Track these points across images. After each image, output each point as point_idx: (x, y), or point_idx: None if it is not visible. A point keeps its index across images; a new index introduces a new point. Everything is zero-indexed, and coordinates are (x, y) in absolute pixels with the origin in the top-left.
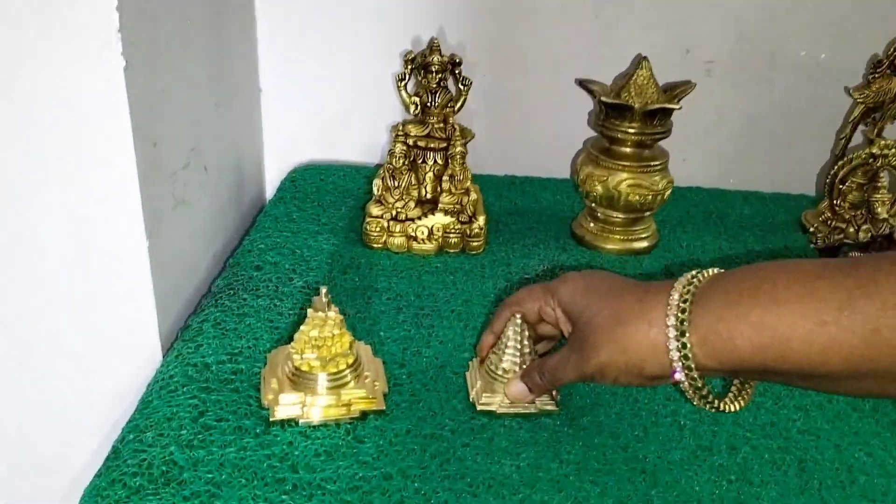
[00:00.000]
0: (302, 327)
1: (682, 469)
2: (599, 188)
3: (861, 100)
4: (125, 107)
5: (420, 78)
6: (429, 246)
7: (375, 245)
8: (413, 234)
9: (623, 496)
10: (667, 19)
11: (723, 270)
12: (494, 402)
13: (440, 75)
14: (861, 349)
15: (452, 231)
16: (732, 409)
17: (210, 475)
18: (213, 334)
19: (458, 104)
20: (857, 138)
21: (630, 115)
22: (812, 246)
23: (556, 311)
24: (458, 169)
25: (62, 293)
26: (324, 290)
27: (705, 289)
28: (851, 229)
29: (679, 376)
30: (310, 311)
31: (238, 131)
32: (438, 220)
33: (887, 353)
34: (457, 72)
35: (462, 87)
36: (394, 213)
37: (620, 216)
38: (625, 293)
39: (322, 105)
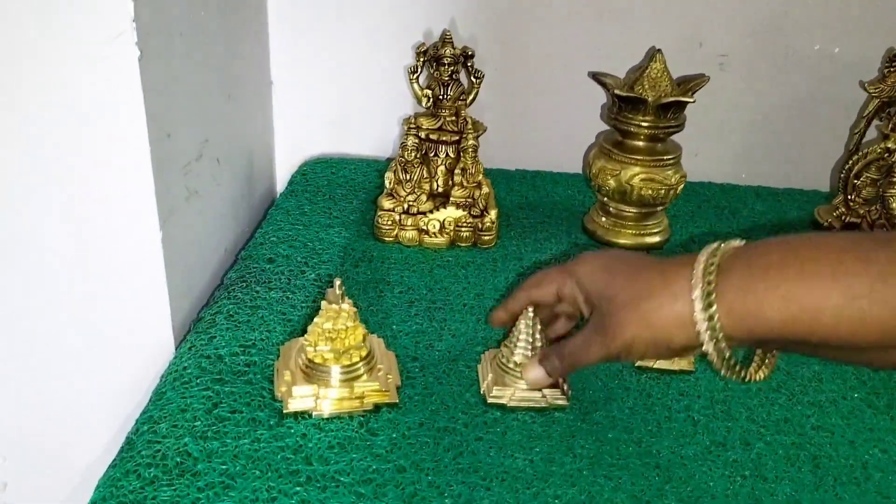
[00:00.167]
0: (315, 319)
1: (696, 464)
2: (612, 182)
3: (876, 94)
4: (140, 97)
5: (432, 71)
6: (440, 239)
7: (387, 238)
8: (425, 227)
9: (637, 491)
10: (680, 12)
11: (745, 242)
12: (505, 395)
13: (452, 68)
14: (893, 322)
15: (464, 225)
16: (758, 379)
17: (224, 466)
18: (226, 326)
19: (471, 97)
20: (872, 133)
21: (643, 108)
22: None
23: (575, 291)
24: (469, 162)
25: (76, 284)
26: (338, 282)
27: (730, 260)
28: (865, 225)
29: (707, 347)
30: (323, 303)
31: (249, 124)
32: (450, 213)
33: None
34: (469, 65)
35: (474, 80)
36: (405, 206)
37: (633, 210)
38: (645, 269)
39: (333, 98)
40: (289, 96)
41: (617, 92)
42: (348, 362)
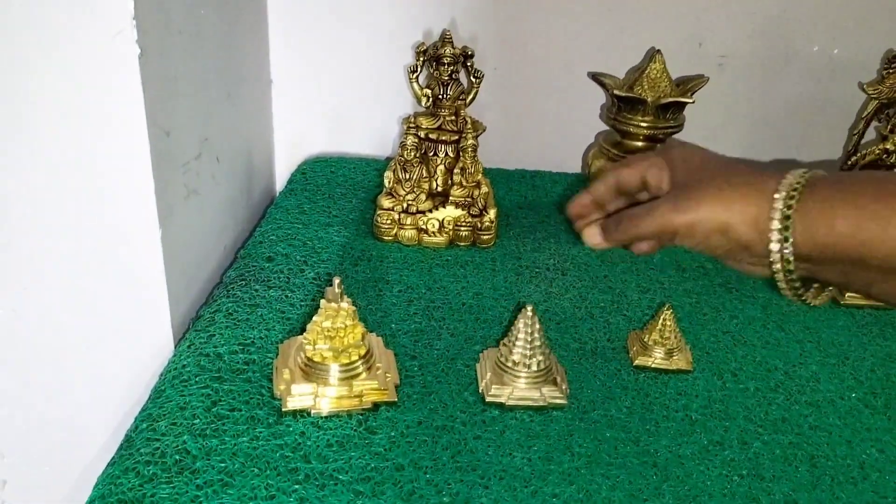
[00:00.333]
0: (315, 318)
1: (694, 463)
2: None
3: (874, 95)
4: (139, 95)
5: (432, 70)
6: (439, 239)
7: (386, 237)
8: (424, 226)
9: (634, 489)
10: (680, 13)
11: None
12: (504, 394)
13: (452, 67)
14: None
15: (463, 224)
16: (815, 304)
17: (223, 464)
18: (225, 325)
19: (470, 97)
20: (871, 134)
21: (643, 108)
22: None
23: (662, 173)
24: (469, 162)
25: (74, 282)
26: (337, 280)
27: (819, 178)
28: None
29: (773, 249)
30: (323, 301)
31: (249, 122)
32: (449, 212)
33: None
34: (469, 64)
35: (474, 80)
36: (405, 205)
37: None
38: (738, 169)
39: (333, 97)
40: (288, 95)
41: (616, 92)
42: (347, 361)
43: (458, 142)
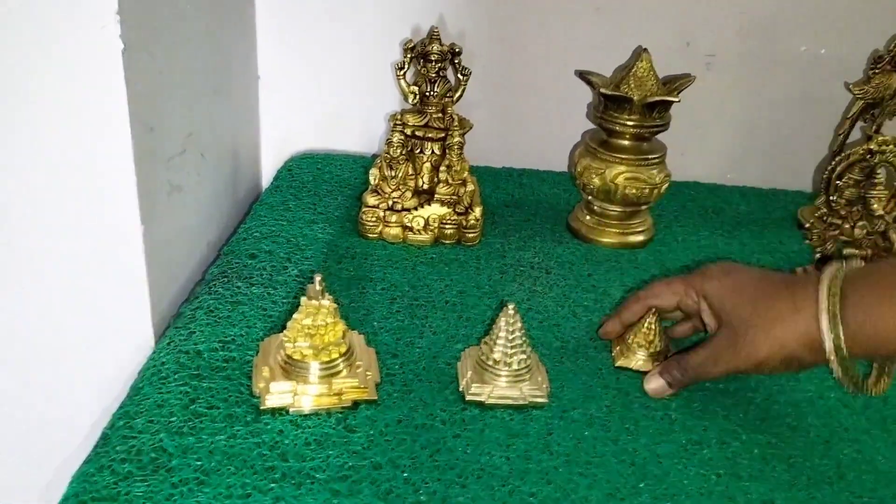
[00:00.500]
0: (295, 315)
1: (672, 462)
2: (596, 181)
3: (860, 95)
4: (122, 91)
5: (419, 67)
6: (424, 237)
7: (371, 235)
8: (409, 224)
9: (611, 488)
10: (668, 12)
11: (860, 266)
12: (484, 392)
13: (439, 65)
14: None
15: (448, 222)
16: (876, 392)
17: (199, 462)
18: (205, 322)
19: (457, 94)
20: (857, 134)
21: (629, 107)
22: (807, 242)
23: (699, 304)
24: (455, 160)
25: (55, 278)
26: (318, 277)
27: (852, 283)
28: (847, 226)
29: (833, 365)
30: (303, 299)
31: (235, 118)
32: (435, 210)
33: None
34: (456, 61)
35: (461, 77)
36: (390, 203)
37: (617, 209)
38: (773, 290)
39: (321, 93)
40: (276, 91)
41: (603, 90)
42: (327, 359)
43: (444, 139)
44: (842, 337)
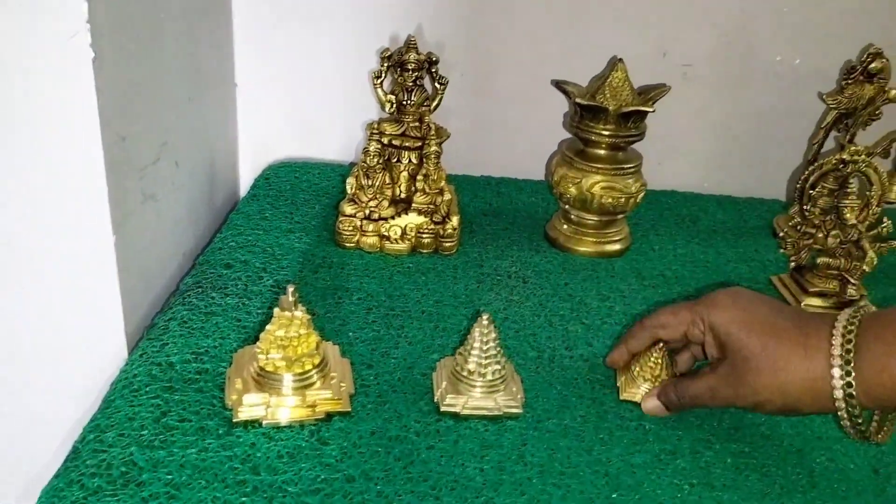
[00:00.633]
0: (268, 327)
1: (645, 472)
2: (573, 190)
3: (833, 106)
4: (93, 100)
5: (396, 76)
6: (402, 246)
7: (348, 244)
8: (386, 233)
9: (585, 499)
10: (644, 22)
11: (877, 311)
12: (458, 403)
13: (416, 74)
14: None
15: (426, 231)
16: (880, 441)
17: (169, 476)
18: (179, 333)
19: (435, 103)
20: (832, 144)
21: (604, 117)
22: (781, 251)
23: (705, 335)
24: (432, 169)
25: (26, 289)
26: (290, 288)
27: (869, 329)
28: (821, 235)
29: (842, 417)
30: (276, 310)
31: (212, 127)
32: (412, 219)
33: None
34: (433, 70)
35: (438, 86)
36: (367, 212)
37: (594, 218)
38: (785, 331)
39: (300, 101)
40: (254, 99)
41: (578, 100)
42: (300, 370)
43: (421, 148)
44: (854, 385)
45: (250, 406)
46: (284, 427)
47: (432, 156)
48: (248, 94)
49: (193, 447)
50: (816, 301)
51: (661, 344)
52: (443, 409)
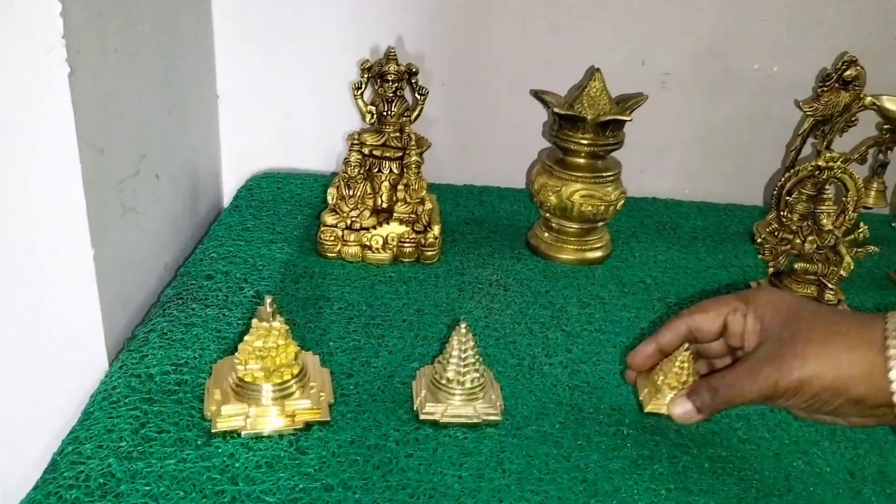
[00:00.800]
0: (246, 337)
1: (623, 478)
2: (553, 198)
3: (810, 113)
4: (70, 114)
5: (377, 87)
6: (383, 255)
7: (330, 254)
8: (368, 243)
9: None
10: (624, 32)
11: None
12: (438, 411)
13: (396, 84)
14: None
15: (407, 240)
16: None
17: (147, 487)
18: (158, 345)
19: (415, 114)
20: (810, 150)
21: (583, 126)
22: (760, 257)
23: (746, 319)
24: (413, 178)
25: (5, 302)
26: (268, 299)
27: None
28: (798, 240)
29: None
30: (254, 321)
31: (193, 138)
32: (393, 229)
33: None
34: (413, 81)
35: (419, 97)
36: (348, 222)
37: (574, 226)
38: (836, 313)
39: (282, 112)
40: (236, 110)
41: (557, 110)
42: (279, 380)
43: (402, 158)
44: None
45: (229, 417)
46: (263, 437)
47: (413, 165)
48: (230, 106)
49: (172, 458)
50: None
51: (687, 346)
52: (422, 417)
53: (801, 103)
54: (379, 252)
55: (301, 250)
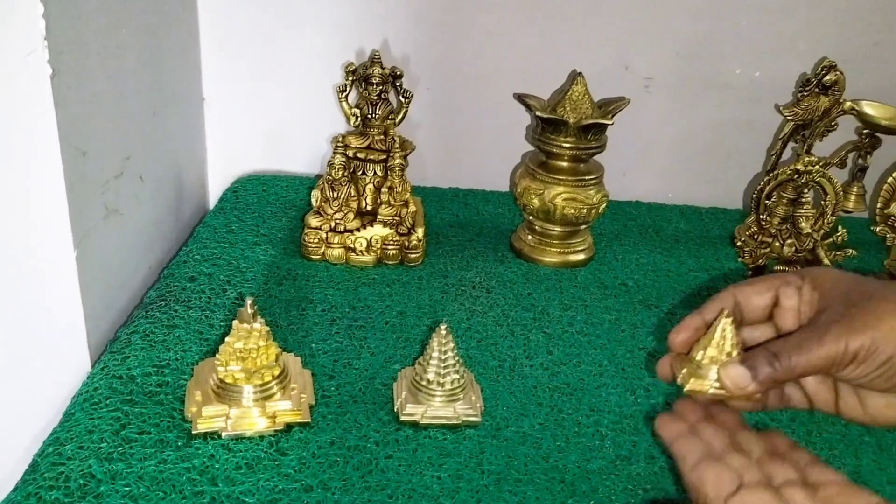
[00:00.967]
0: (227, 339)
1: (600, 478)
2: (536, 201)
3: (790, 117)
4: (52, 116)
5: (361, 90)
6: (367, 258)
7: (314, 256)
8: (352, 245)
9: None
10: (607, 36)
11: None
12: (418, 412)
13: (381, 87)
14: None
15: (391, 243)
16: None
17: (127, 488)
18: (140, 346)
19: (399, 116)
20: (790, 155)
21: (565, 129)
22: (740, 260)
23: (802, 292)
24: (397, 181)
25: None
26: (249, 301)
27: None
28: (777, 244)
29: None
30: (235, 322)
31: (178, 141)
32: (377, 231)
33: None
34: (398, 84)
35: (403, 100)
36: (332, 224)
37: (557, 229)
38: None
39: (268, 114)
40: (222, 112)
41: (539, 114)
42: (260, 382)
43: (386, 161)
44: None
45: (209, 418)
46: (244, 438)
47: (397, 168)
48: (216, 109)
49: (152, 459)
50: None
51: (728, 312)
52: (402, 418)
53: (781, 108)
54: (363, 254)
55: (285, 252)
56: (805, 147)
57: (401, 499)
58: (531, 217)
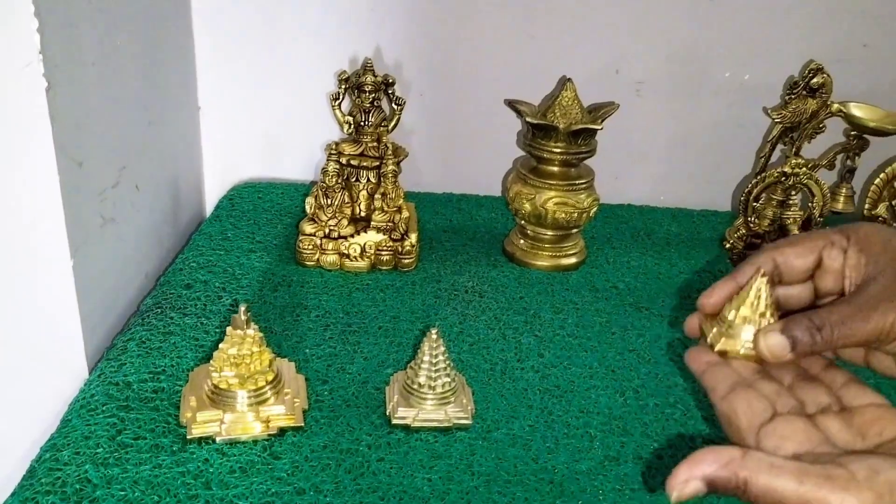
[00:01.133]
0: (221, 345)
1: (589, 479)
2: (528, 206)
3: (778, 119)
4: (48, 128)
5: (354, 97)
6: (361, 263)
7: (308, 263)
8: (346, 251)
9: None
10: (598, 41)
11: None
12: (409, 416)
13: (373, 95)
14: None
15: (385, 248)
16: None
17: (123, 493)
18: (137, 353)
19: (392, 123)
20: (778, 157)
21: (555, 134)
22: (729, 261)
23: (847, 254)
24: (390, 187)
25: None
26: (242, 307)
27: None
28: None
29: None
30: (229, 328)
31: (174, 149)
32: (371, 237)
33: None
34: (390, 91)
35: (395, 107)
36: (326, 230)
37: (549, 233)
38: None
39: (264, 122)
40: (218, 121)
41: (529, 119)
42: (254, 387)
43: (379, 167)
44: None
45: (204, 423)
46: (238, 443)
47: (390, 174)
48: (211, 117)
49: (147, 464)
50: None
51: (763, 272)
52: (394, 421)
53: (769, 110)
54: (357, 260)
55: (280, 259)
56: (794, 149)
57: (392, 501)
58: (523, 221)
